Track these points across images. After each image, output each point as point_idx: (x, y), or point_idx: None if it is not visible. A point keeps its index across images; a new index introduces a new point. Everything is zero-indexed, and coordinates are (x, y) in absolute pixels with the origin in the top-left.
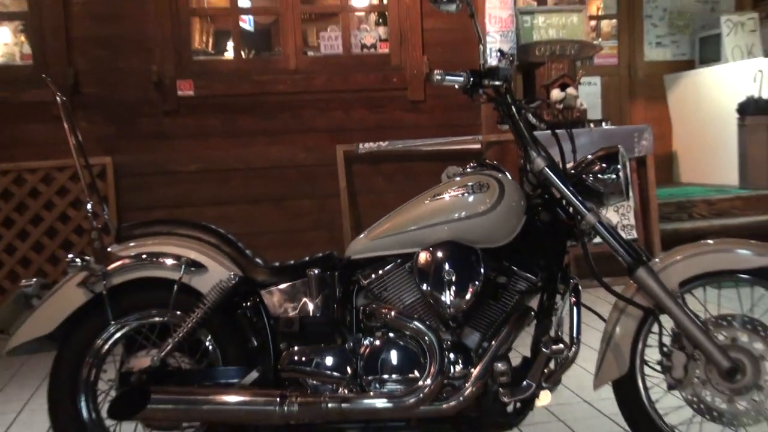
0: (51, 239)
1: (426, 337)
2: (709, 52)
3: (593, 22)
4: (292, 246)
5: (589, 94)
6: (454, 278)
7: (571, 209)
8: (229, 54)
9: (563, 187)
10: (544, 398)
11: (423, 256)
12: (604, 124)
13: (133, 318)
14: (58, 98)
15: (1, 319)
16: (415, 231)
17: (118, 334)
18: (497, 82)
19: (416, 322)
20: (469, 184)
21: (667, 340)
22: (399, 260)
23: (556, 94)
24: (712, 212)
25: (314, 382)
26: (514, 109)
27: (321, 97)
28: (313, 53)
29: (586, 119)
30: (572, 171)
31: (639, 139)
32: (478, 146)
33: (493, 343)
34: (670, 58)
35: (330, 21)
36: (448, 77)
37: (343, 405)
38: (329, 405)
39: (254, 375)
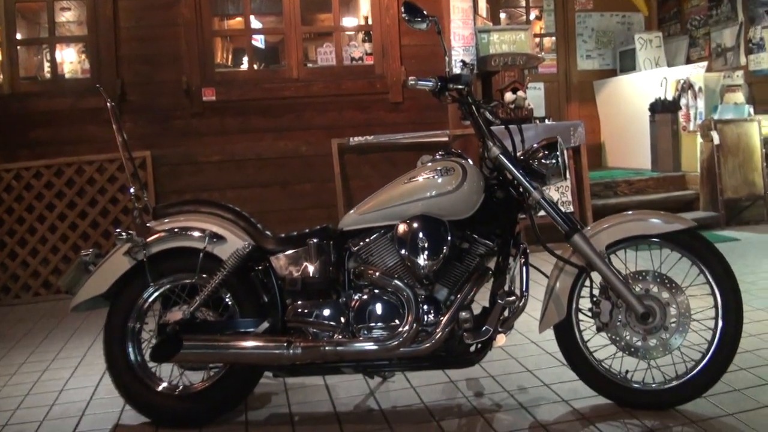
0: (104, 218)
1: (404, 293)
2: (627, 63)
3: (537, 39)
4: (296, 221)
5: (535, 96)
6: (426, 245)
7: (520, 188)
8: (244, 66)
9: (514, 170)
10: (501, 340)
11: (401, 227)
12: (546, 120)
13: (168, 280)
14: (108, 103)
15: (66, 282)
16: (395, 207)
17: (156, 294)
18: (460, 86)
19: (396, 281)
20: (438, 168)
21: (596, 292)
22: (382, 231)
23: (508, 96)
24: (632, 190)
25: (314, 330)
26: (473, 108)
27: (319, 101)
28: (312, 65)
29: (532, 116)
30: (521, 157)
31: (574, 132)
32: (446, 139)
33: (458, 296)
34: (598, 68)
35: (325, 39)
36: (420, 82)
37: (338, 348)
38: (326, 348)
39: (266, 325)
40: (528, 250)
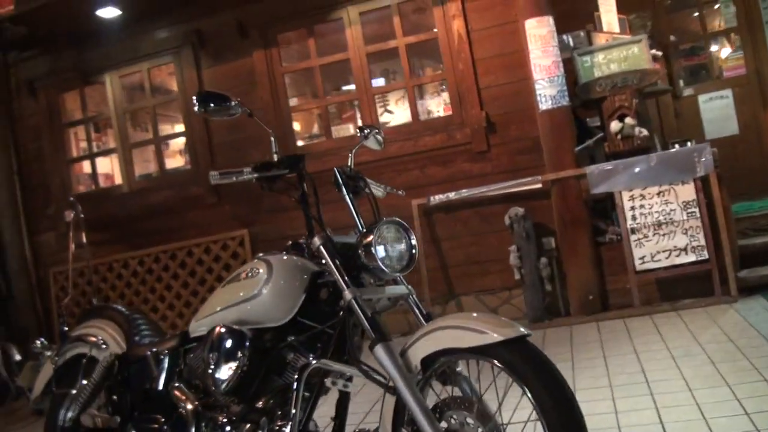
0: None
1: (184, 414)
2: None
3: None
4: None
5: (723, 106)
6: (215, 360)
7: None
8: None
9: (330, 263)
10: None
11: (204, 341)
12: (689, 143)
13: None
14: (73, 212)
15: (25, 381)
16: (215, 315)
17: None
18: (284, 172)
19: (181, 401)
20: (242, 271)
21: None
22: None
23: (614, 125)
24: None
25: None
26: (303, 196)
27: (397, 161)
28: (388, 125)
29: (653, 145)
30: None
31: (699, 159)
32: (539, 186)
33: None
34: None
35: (399, 95)
36: (224, 177)
37: None
38: None
39: None
40: (307, 369)
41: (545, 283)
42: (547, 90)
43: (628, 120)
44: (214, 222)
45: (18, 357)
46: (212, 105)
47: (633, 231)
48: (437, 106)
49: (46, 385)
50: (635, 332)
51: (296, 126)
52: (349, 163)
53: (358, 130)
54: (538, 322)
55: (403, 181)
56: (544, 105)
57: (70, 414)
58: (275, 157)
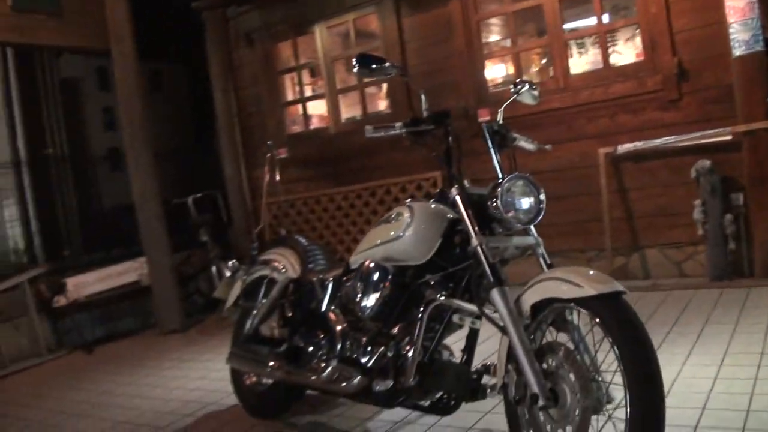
0: None
1: (336, 332)
2: None
3: None
4: (576, 235)
5: None
6: (362, 290)
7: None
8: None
9: (463, 212)
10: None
11: (356, 273)
12: None
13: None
14: (269, 154)
15: (220, 293)
16: (366, 251)
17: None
18: (431, 127)
19: (334, 322)
20: (391, 215)
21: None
22: None
23: None
24: None
25: (307, 356)
26: (447, 150)
27: (587, 108)
28: (579, 71)
29: None
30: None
31: None
32: (729, 138)
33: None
34: None
35: (590, 41)
36: (377, 131)
37: (279, 374)
38: (278, 373)
39: (284, 347)
40: (432, 304)
41: (729, 241)
42: (741, 34)
43: None
44: (411, 163)
45: (228, 273)
46: (371, 66)
47: None
48: (628, 51)
49: (236, 299)
50: None
51: (492, 72)
52: (498, 118)
53: (512, 86)
54: (718, 281)
55: (592, 129)
56: (738, 51)
57: (253, 324)
58: (428, 111)
